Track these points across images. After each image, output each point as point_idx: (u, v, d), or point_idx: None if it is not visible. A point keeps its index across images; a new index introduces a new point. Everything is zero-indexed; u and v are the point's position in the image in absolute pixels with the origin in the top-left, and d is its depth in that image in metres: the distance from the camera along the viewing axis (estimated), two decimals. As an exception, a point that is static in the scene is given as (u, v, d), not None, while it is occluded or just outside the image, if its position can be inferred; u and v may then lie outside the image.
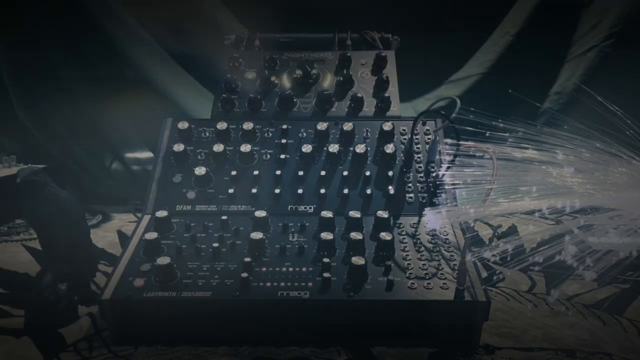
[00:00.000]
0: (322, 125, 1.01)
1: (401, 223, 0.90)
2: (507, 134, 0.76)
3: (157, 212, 0.89)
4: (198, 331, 0.78)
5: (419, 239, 0.87)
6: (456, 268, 0.79)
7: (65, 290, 0.83)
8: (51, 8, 1.52)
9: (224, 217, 0.89)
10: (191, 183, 0.97)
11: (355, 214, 0.88)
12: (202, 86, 1.65)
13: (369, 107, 1.11)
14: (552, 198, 0.70)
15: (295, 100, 1.12)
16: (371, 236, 0.87)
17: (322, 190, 0.95)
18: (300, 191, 0.95)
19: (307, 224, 0.90)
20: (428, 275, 0.79)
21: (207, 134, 1.04)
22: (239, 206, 0.94)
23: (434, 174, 0.95)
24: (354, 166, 0.98)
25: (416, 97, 1.66)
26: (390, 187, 0.94)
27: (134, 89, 1.58)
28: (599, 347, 0.79)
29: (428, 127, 1.04)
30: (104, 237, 1.30)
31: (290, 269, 0.80)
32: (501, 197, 0.73)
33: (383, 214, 0.88)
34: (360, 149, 0.97)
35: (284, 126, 1.03)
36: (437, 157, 0.98)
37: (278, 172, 0.97)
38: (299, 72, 1.15)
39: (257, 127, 1.04)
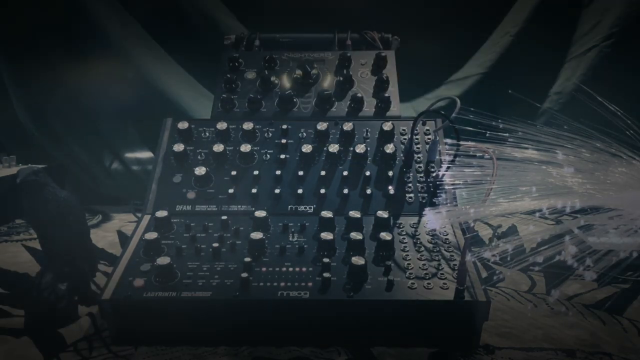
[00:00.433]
0: (322, 125, 1.01)
1: (401, 223, 0.90)
2: (507, 134, 0.76)
3: (157, 212, 0.89)
4: (198, 331, 0.78)
5: (419, 239, 0.87)
6: (456, 268, 0.79)
7: (65, 290, 0.83)
8: (51, 8, 1.52)
9: (224, 217, 0.89)
10: (191, 183, 0.97)
11: (355, 214, 0.88)
12: (202, 86, 1.65)
13: (369, 107, 1.11)
14: (552, 198, 0.70)
15: (295, 100, 1.12)
16: (371, 236, 0.87)
17: (322, 190, 0.95)
18: (300, 191, 0.95)
19: (307, 224, 0.90)
20: (428, 275, 0.79)
21: (207, 134, 1.04)
22: (239, 206, 0.94)
23: (434, 174, 0.95)
24: (354, 166, 0.98)
25: (416, 97, 1.66)
26: (390, 187, 0.94)
27: (134, 89, 1.58)
28: (599, 347, 0.79)
29: (428, 127, 1.04)
30: (104, 237, 1.30)
31: (290, 269, 0.80)
32: (501, 197, 0.73)
33: (383, 214, 0.88)
34: (360, 149, 0.97)
35: (284, 126, 1.03)
36: (437, 157, 0.98)
37: (278, 172, 0.97)
38: (299, 72, 1.15)
39: (257, 127, 1.04)
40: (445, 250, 0.85)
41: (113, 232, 1.35)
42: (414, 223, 0.91)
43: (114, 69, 1.57)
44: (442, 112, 0.93)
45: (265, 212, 0.89)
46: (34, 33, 1.55)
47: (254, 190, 0.95)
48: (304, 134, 1.03)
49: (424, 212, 0.92)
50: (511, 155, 0.76)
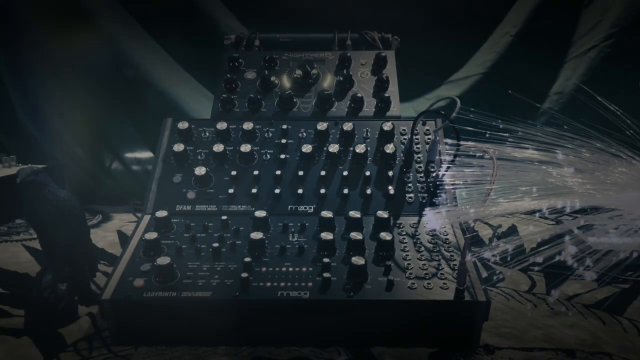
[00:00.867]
0: (322, 125, 1.01)
1: (401, 223, 0.90)
2: (507, 134, 0.76)
3: (157, 212, 0.89)
4: (198, 331, 0.78)
5: (419, 239, 0.87)
6: (456, 268, 0.79)
7: (65, 290, 0.83)
8: (51, 8, 1.52)
9: (224, 217, 0.89)
10: (191, 183, 0.97)
11: (355, 214, 0.88)
12: (202, 86, 1.65)
13: (369, 107, 1.11)
14: (552, 198, 0.70)
15: (295, 100, 1.12)
16: (371, 236, 0.87)
17: (322, 190, 0.95)
18: (300, 191, 0.95)
19: (307, 224, 0.90)
20: (428, 275, 0.79)
21: (207, 134, 1.04)
22: (239, 206, 0.94)
23: (434, 174, 0.95)
24: (354, 166, 0.98)
25: (416, 97, 1.66)
26: (390, 187, 0.94)
27: (134, 89, 1.58)
28: (599, 347, 0.79)
29: (428, 127, 1.04)
30: (104, 237, 1.30)
31: (290, 269, 0.80)
32: (501, 197, 0.73)
33: (383, 214, 0.88)
34: (360, 149, 0.97)
35: (284, 126, 1.03)
36: (437, 157, 0.98)
37: (278, 172, 0.97)
38: (299, 72, 1.15)
39: (257, 127, 1.04)
40: (445, 250, 0.85)
41: (113, 232, 1.35)
42: (414, 223, 0.91)
43: (114, 69, 1.57)
44: (442, 112, 0.93)
45: (265, 212, 0.89)
46: (34, 33, 1.55)
47: (254, 190, 0.95)
48: (304, 134, 1.03)
49: (424, 212, 0.92)
50: (511, 155, 0.76)
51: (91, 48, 1.55)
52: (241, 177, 0.98)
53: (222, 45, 1.31)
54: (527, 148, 0.76)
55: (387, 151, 0.97)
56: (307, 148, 0.98)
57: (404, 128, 1.03)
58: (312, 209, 0.94)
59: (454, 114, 0.85)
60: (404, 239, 0.87)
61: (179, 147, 0.98)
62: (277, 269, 0.80)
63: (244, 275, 0.77)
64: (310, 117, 1.10)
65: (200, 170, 0.96)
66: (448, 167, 0.86)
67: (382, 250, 0.83)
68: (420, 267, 0.80)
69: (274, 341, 0.79)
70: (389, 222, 0.88)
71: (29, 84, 1.59)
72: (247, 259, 0.80)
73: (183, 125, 1.02)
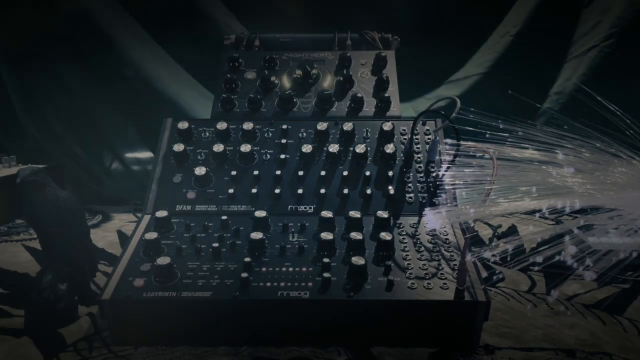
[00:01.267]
0: (322, 125, 1.01)
1: (401, 223, 0.90)
2: (507, 134, 0.76)
3: (157, 212, 0.89)
4: (198, 331, 0.78)
5: (419, 239, 0.87)
6: (456, 268, 0.79)
7: (65, 290, 0.83)
8: (52, 9, 1.52)
9: (224, 217, 0.89)
10: (191, 183, 0.97)
11: (355, 214, 0.88)
12: (202, 86, 1.65)
13: (369, 107, 1.11)
14: (552, 198, 0.70)
15: (295, 100, 1.12)
16: (371, 236, 0.87)
17: (322, 190, 0.95)
18: (300, 191, 0.95)
19: (307, 224, 0.90)
20: (428, 275, 0.79)
21: (207, 134, 1.04)
22: (239, 206, 0.94)
23: (434, 174, 0.95)
24: (354, 166, 0.98)
25: (416, 97, 1.66)
26: (390, 187, 0.94)
27: (134, 89, 1.58)
28: (599, 347, 0.79)
29: (428, 127, 1.04)
30: (104, 237, 1.30)
31: (290, 269, 0.80)
32: (501, 197, 0.73)
33: (383, 214, 0.88)
34: (360, 149, 0.97)
35: (284, 126, 1.03)
36: (437, 157, 0.98)
37: (278, 172, 0.97)
38: (299, 72, 1.15)
39: (257, 127, 1.04)
40: (445, 250, 0.85)
41: (113, 232, 1.35)
42: (414, 223, 0.91)
43: (114, 69, 1.57)
44: (442, 112, 0.93)
45: (265, 212, 0.89)
46: (35, 34, 1.55)
47: (254, 190, 0.95)
48: (304, 134, 1.03)
49: (424, 212, 0.92)
50: (511, 155, 0.76)
51: (91, 48, 1.55)
52: (241, 177, 0.98)
53: (222, 45, 1.31)
54: (527, 148, 0.76)
55: (387, 151, 0.97)
56: (307, 148, 0.98)
57: (404, 128, 1.03)
58: (312, 209, 0.94)
59: (454, 114, 0.85)
60: (404, 239, 0.87)
61: (179, 147, 0.98)
62: (277, 269, 0.80)
63: (244, 275, 0.77)
64: (310, 117, 1.10)
65: (200, 170, 0.96)
66: (448, 167, 0.86)
67: (382, 250, 0.83)
68: (420, 267, 0.80)
69: (274, 341, 0.79)
70: (389, 222, 0.88)
71: (29, 84, 1.59)
72: (247, 259, 0.80)
73: (183, 125, 1.02)
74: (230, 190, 0.95)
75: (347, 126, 1.00)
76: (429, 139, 1.02)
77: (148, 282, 0.78)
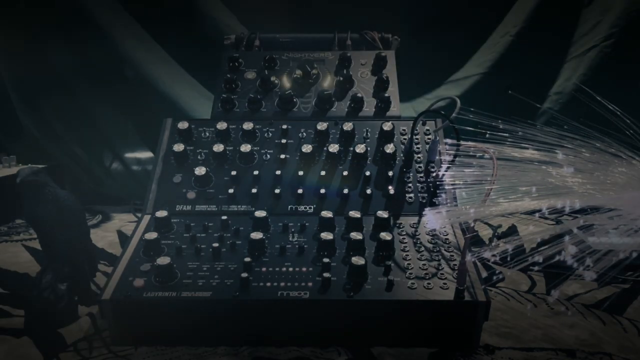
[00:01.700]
0: (322, 125, 1.01)
1: (401, 223, 0.90)
2: (507, 134, 0.76)
3: (157, 212, 0.89)
4: (198, 331, 0.78)
5: (419, 239, 0.87)
6: (456, 268, 0.79)
7: (65, 290, 0.83)
8: (51, 8, 1.52)
9: (224, 217, 0.89)
10: (191, 183, 0.97)
11: (355, 214, 0.88)
12: (202, 86, 1.65)
13: (369, 107, 1.11)
14: (552, 198, 0.70)
15: (295, 100, 1.12)
16: (371, 236, 0.87)
17: (322, 190, 0.95)
18: (300, 191, 0.95)
19: (307, 224, 0.90)
20: (428, 275, 0.79)
21: (207, 134, 1.04)
22: (239, 206, 0.94)
23: (434, 174, 0.95)
24: (354, 166, 0.98)
25: (416, 97, 1.66)
26: (390, 187, 0.94)
27: (134, 89, 1.58)
28: (599, 347, 0.79)
29: (428, 127, 1.04)
30: (104, 237, 1.30)
31: (290, 269, 0.80)
32: (501, 197, 0.73)
33: (383, 214, 0.88)
34: (360, 149, 0.97)
35: (284, 126, 1.03)
36: (437, 157, 0.98)
37: (278, 172, 0.97)
38: (299, 72, 1.15)
39: (257, 127, 1.04)
40: (445, 250, 0.85)
41: (113, 232, 1.35)
42: (414, 223, 0.91)
43: (114, 69, 1.57)
44: (442, 112, 0.93)
45: (265, 212, 0.89)
46: (35, 34, 1.55)
47: (254, 190, 0.95)
48: (304, 134, 1.03)
49: (424, 212, 0.92)
50: (511, 155, 0.76)
51: (91, 48, 1.55)
52: (241, 177, 0.98)
53: (222, 45, 1.31)
54: (527, 148, 0.76)
55: (387, 151, 0.97)
56: (307, 148, 0.98)
57: (404, 128, 1.03)
58: (312, 209, 0.94)
59: (454, 114, 0.85)
60: (404, 239, 0.87)
61: (179, 147, 0.98)
62: (277, 269, 0.80)
63: (244, 275, 0.77)
64: (310, 117, 1.10)
65: (200, 170, 0.96)
66: (448, 167, 0.86)
67: (382, 250, 0.83)
68: (420, 267, 0.80)
69: (274, 341, 0.79)
70: (389, 222, 0.88)
71: (29, 84, 1.59)
72: (247, 259, 0.80)
73: (183, 125, 1.02)
74: (230, 190, 0.95)
75: (347, 126, 1.00)
76: (429, 139, 1.02)
77: (148, 282, 0.78)
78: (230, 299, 0.75)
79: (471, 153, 0.81)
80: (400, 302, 0.75)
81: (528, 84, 1.60)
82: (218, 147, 0.99)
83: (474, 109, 0.79)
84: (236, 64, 1.19)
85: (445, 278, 0.78)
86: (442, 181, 0.89)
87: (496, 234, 1.31)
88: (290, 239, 0.87)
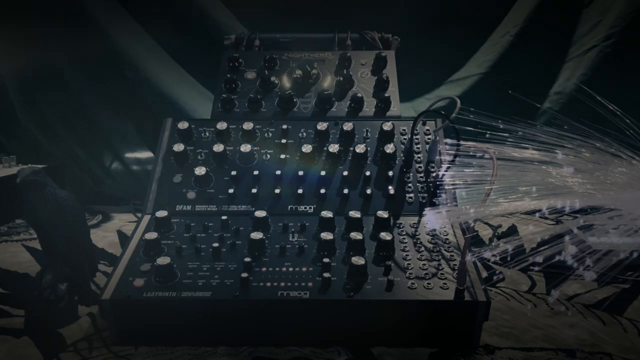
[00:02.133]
0: (322, 125, 1.01)
1: (401, 223, 0.90)
2: (507, 134, 0.76)
3: (157, 212, 0.89)
4: (198, 331, 0.78)
5: (419, 239, 0.87)
6: (456, 268, 0.79)
7: (65, 290, 0.83)
8: (52, 9, 1.52)
9: (224, 217, 0.89)
10: (191, 183, 0.97)
11: (355, 214, 0.88)
12: (202, 86, 1.65)
13: (369, 107, 1.11)
14: (552, 198, 0.70)
15: (295, 100, 1.12)
16: (371, 236, 0.87)
17: (322, 190, 0.95)
18: (300, 191, 0.95)
19: (307, 224, 0.90)
20: (428, 275, 0.79)
21: (207, 134, 1.04)
22: (239, 206, 0.94)
23: (434, 174, 0.95)
24: (354, 166, 0.98)
25: (416, 97, 1.66)
26: (390, 187, 0.94)
27: (134, 89, 1.58)
28: (599, 347, 0.79)
29: (428, 127, 1.04)
30: (104, 237, 1.30)
31: (290, 269, 0.80)
32: (501, 197, 0.73)
33: (383, 214, 0.88)
34: (360, 149, 0.97)
35: (284, 126, 1.03)
36: (437, 157, 0.98)
37: (278, 172, 0.97)
38: (299, 72, 1.15)
39: (257, 127, 1.04)
40: (445, 250, 0.85)
41: (113, 232, 1.35)
42: (414, 223, 0.91)
43: (114, 70, 1.57)
44: (442, 112, 0.93)
45: (265, 212, 0.89)
46: (35, 34, 1.55)
47: (254, 190, 0.95)
48: (304, 134, 1.03)
49: (424, 212, 0.92)
50: (511, 155, 0.76)
51: (91, 48, 1.55)
52: (241, 177, 0.98)
53: (222, 45, 1.31)
54: (527, 148, 0.76)
55: (387, 151, 0.97)
56: (307, 148, 0.98)
57: (404, 128, 1.03)
58: (312, 209, 0.94)
59: (454, 114, 0.85)
60: (404, 239, 0.87)
61: (179, 147, 0.98)
62: (277, 269, 0.80)
63: (244, 275, 0.77)
64: (310, 117, 1.10)
65: (200, 170, 0.96)
66: (448, 167, 0.86)
67: (382, 250, 0.83)
68: (420, 267, 0.80)
69: (274, 341, 0.79)
70: (389, 222, 0.88)
71: (29, 84, 1.59)
72: (247, 259, 0.80)
73: (183, 125, 1.02)
74: (230, 190, 0.95)
75: (347, 126, 1.00)
76: (429, 139, 1.02)
77: (148, 282, 0.78)
78: (230, 299, 0.75)
79: (471, 153, 0.80)
80: (401, 302, 0.75)
81: (528, 83, 1.60)
82: (218, 147, 0.99)
83: (474, 109, 0.79)
84: (236, 64, 1.19)
85: (445, 278, 0.78)
86: (442, 181, 0.89)
87: (496, 234, 1.31)
88: (290, 239, 0.87)
